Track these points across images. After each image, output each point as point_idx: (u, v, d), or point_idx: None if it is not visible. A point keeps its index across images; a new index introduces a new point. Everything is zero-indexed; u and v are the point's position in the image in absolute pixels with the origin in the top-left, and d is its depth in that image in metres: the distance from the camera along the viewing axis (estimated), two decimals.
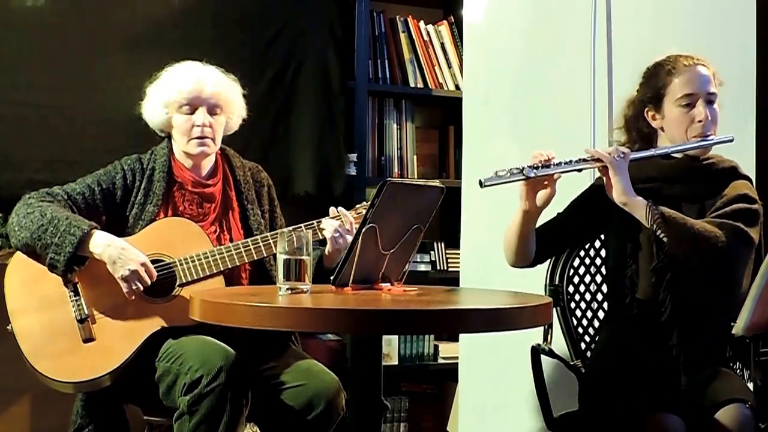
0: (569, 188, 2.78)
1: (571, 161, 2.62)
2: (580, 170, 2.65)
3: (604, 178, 2.66)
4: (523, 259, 2.74)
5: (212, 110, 2.91)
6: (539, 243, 2.74)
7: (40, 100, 3.56)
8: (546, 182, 2.61)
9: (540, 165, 2.58)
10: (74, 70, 3.59)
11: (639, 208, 2.61)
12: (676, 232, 2.57)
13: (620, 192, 2.62)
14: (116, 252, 2.69)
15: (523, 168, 2.57)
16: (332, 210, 2.86)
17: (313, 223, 2.83)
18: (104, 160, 2.95)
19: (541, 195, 2.62)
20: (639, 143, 2.81)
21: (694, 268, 2.61)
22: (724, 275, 2.65)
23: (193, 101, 2.89)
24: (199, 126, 2.88)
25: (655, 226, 2.58)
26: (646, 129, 2.80)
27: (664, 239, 2.58)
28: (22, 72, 3.54)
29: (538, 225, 2.74)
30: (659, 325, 2.63)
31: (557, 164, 2.60)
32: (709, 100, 2.72)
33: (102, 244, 2.69)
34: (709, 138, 2.71)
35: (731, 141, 2.74)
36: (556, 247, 2.86)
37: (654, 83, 2.77)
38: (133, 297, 2.71)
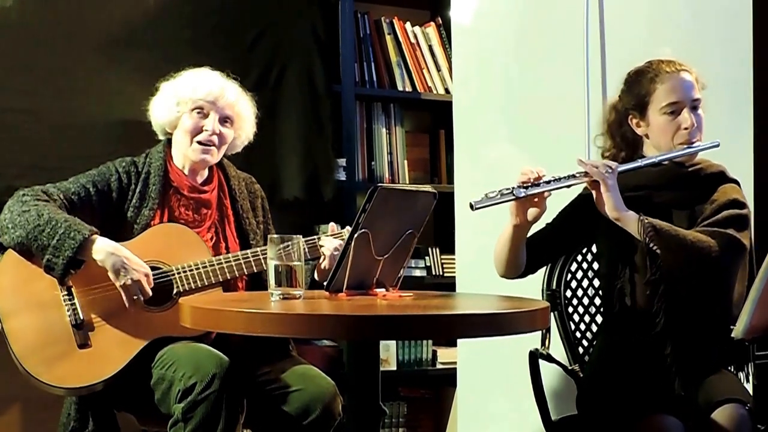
0: (559, 197, 2.77)
1: (560, 178, 2.64)
2: (569, 186, 2.67)
3: (594, 193, 2.67)
4: (514, 270, 2.77)
5: (223, 120, 2.90)
6: (529, 253, 2.76)
7: (15, 104, 3.49)
8: (536, 199, 2.63)
9: (530, 184, 2.61)
10: (50, 73, 3.53)
11: (631, 221, 2.63)
12: (669, 245, 2.58)
13: (612, 207, 2.64)
14: (120, 261, 2.66)
15: (513, 188, 2.61)
16: (332, 226, 2.86)
17: (313, 239, 2.82)
18: (85, 166, 2.91)
19: (532, 211, 2.65)
20: (625, 150, 2.82)
21: (688, 278, 2.61)
22: (718, 283, 2.66)
23: (208, 105, 2.87)
24: (208, 131, 2.86)
25: (647, 239, 2.59)
26: (631, 135, 2.81)
27: (658, 252, 2.59)
28: None
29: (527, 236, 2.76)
30: (653, 336, 2.63)
31: (547, 182, 2.62)
32: (694, 107, 2.74)
33: (105, 250, 2.66)
34: (695, 145, 2.72)
35: (717, 146, 2.75)
36: (546, 257, 2.88)
37: (637, 91, 2.77)
38: (133, 308, 2.69)
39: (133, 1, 3.66)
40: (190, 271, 2.77)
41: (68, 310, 2.71)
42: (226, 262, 2.78)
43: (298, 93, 3.89)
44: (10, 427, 3.70)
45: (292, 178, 3.86)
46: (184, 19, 3.71)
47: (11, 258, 2.75)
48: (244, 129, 2.99)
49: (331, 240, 2.79)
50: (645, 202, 2.72)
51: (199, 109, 2.87)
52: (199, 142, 2.87)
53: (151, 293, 2.69)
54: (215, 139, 2.87)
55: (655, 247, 2.58)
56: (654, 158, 2.73)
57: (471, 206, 2.61)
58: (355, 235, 2.28)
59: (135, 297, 2.68)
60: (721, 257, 2.57)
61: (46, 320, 2.71)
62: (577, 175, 2.66)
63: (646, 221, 2.59)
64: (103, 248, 2.67)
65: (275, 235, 2.36)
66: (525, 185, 2.60)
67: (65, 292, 2.72)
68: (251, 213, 2.98)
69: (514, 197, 2.59)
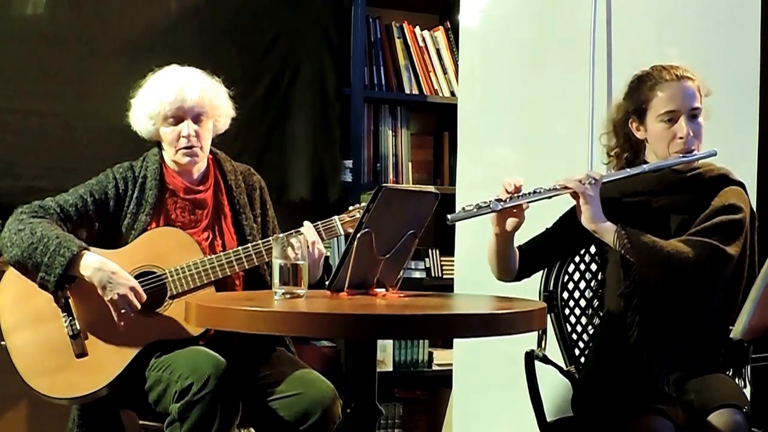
0: (561, 204, 2.77)
1: (540, 190, 2.63)
2: (550, 198, 2.65)
3: (576, 204, 2.67)
4: (507, 274, 2.77)
5: (197, 119, 2.87)
6: (524, 259, 2.77)
7: (38, 107, 3.58)
8: (515, 210, 2.63)
9: (507, 198, 2.60)
10: (72, 77, 3.62)
11: (608, 233, 2.63)
12: (644, 256, 2.58)
13: (588, 219, 2.63)
14: (106, 276, 2.67)
15: (490, 202, 2.60)
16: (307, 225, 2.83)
17: (294, 233, 2.77)
18: (102, 168, 2.93)
19: (510, 222, 2.64)
20: (628, 151, 2.81)
21: (664, 291, 2.61)
22: (696, 294, 2.64)
23: (176, 112, 2.85)
24: (185, 137, 2.84)
25: (623, 250, 2.59)
26: (634, 136, 2.80)
27: (632, 263, 2.59)
28: (21, 79, 3.56)
29: (524, 241, 2.78)
30: (631, 345, 2.64)
31: (525, 194, 2.61)
32: (693, 115, 2.70)
33: (92, 266, 2.67)
34: (692, 154, 2.69)
35: (714, 155, 2.72)
36: (541, 263, 2.87)
37: (637, 96, 2.76)
38: (122, 322, 2.69)
39: (154, 8, 3.72)
40: (183, 273, 2.76)
41: (65, 322, 2.73)
42: (218, 261, 2.77)
43: (309, 96, 3.93)
44: (17, 425, 3.74)
45: (299, 179, 3.90)
46: (203, 25, 3.77)
47: (12, 274, 2.78)
48: (222, 113, 2.96)
49: (310, 228, 2.78)
50: (643, 207, 2.71)
51: (171, 119, 2.85)
52: (182, 148, 2.86)
53: (139, 306, 2.69)
54: (194, 141, 2.85)
55: (630, 258, 2.58)
56: (645, 167, 2.70)
57: (447, 219, 2.64)
58: (359, 235, 2.28)
59: (123, 310, 2.67)
60: (698, 268, 2.56)
61: (46, 333, 2.74)
62: (558, 187, 2.65)
63: (623, 232, 2.59)
64: (90, 264, 2.67)
65: (280, 234, 2.37)
66: (503, 199, 2.60)
67: (63, 305, 2.73)
68: (248, 207, 2.95)
69: (490, 210, 2.60)
